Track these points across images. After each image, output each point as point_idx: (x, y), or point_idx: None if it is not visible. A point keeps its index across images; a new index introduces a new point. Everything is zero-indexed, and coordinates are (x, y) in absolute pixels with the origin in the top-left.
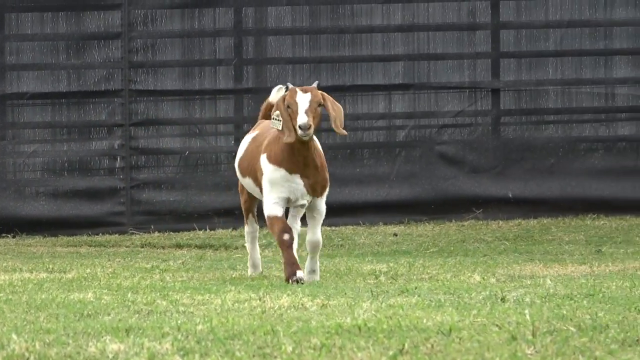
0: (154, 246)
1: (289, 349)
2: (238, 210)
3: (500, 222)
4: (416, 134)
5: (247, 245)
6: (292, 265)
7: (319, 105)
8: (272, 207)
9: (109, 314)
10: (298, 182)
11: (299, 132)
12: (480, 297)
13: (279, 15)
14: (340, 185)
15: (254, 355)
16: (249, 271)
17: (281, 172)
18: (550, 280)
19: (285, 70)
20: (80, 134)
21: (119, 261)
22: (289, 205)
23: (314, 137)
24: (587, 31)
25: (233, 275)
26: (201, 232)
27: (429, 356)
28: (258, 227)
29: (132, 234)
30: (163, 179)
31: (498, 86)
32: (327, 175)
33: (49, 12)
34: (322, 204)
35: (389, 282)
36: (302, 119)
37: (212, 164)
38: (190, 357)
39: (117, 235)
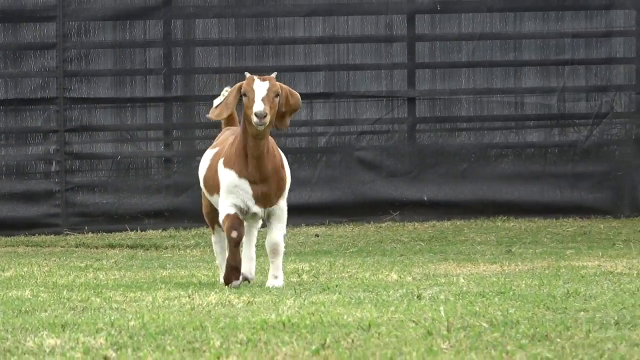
0: (88, 246)
1: (217, 343)
2: (168, 212)
3: (416, 224)
4: (336, 141)
5: (217, 257)
6: (231, 270)
7: (276, 95)
8: (223, 210)
9: (45, 311)
10: (246, 189)
11: (254, 120)
12: (398, 295)
13: (206, 27)
14: None
15: (183, 350)
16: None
17: (232, 176)
18: (464, 278)
19: (212, 80)
20: (17, 140)
21: (55, 260)
22: (242, 215)
23: (271, 140)
24: (498, 43)
25: (163, 274)
26: (132, 232)
27: (349, 350)
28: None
29: (67, 234)
30: (96, 182)
31: (414, 95)
32: (286, 180)
33: None
34: (278, 210)
35: (311, 280)
36: (258, 106)
37: (143, 168)
38: (123, 352)
39: (52, 235)
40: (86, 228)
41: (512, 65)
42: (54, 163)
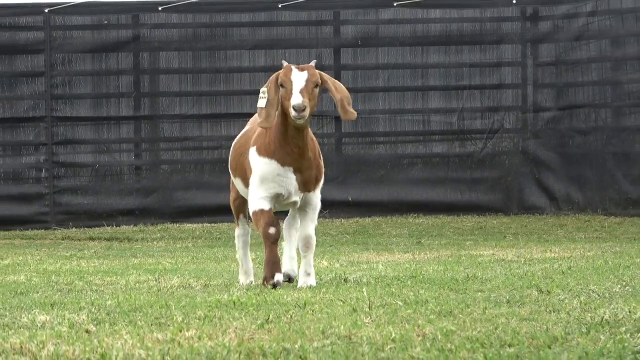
0: (72, 239)
1: (179, 319)
2: (138, 211)
3: (343, 220)
4: None
5: (238, 251)
6: (272, 266)
7: (316, 86)
8: (257, 202)
9: (37, 292)
10: (290, 177)
11: (292, 113)
12: (328, 278)
13: (169, 58)
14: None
15: (151, 324)
16: (241, 279)
17: (272, 165)
18: (382, 265)
19: (174, 101)
20: (13, 151)
21: (45, 251)
22: (278, 203)
23: (309, 131)
24: (409, 72)
25: (134, 262)
26: (109, 228)
27: (288, 324)
28: (250, 229)
29: (55, 229)
30: (79, 186)
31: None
32: (322, 167)
33: None
34: (315, 198)
35: (257, 267)
36: (296, 99)
37: (117, 174)
38: (102, 326)
39: (43, 230)
40: (70, 224)
41: (420, 89)
42: (43, 170)
